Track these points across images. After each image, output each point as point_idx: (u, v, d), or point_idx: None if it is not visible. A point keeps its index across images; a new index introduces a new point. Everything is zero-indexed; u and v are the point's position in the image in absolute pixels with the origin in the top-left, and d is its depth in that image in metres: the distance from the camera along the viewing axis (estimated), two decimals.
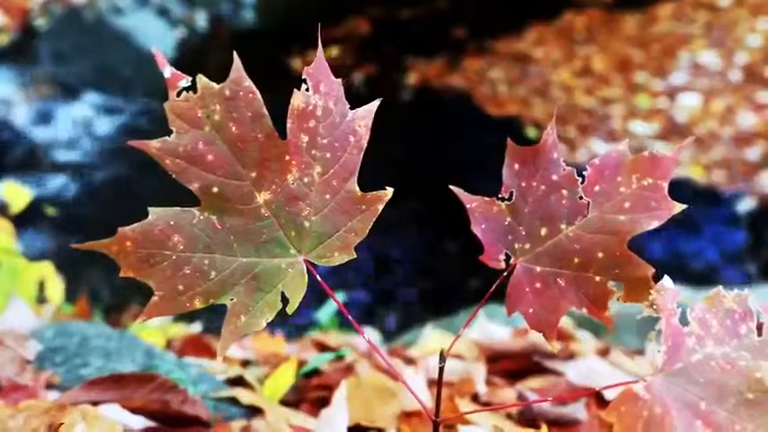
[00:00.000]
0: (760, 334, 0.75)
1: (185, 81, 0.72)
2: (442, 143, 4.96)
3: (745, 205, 4.40)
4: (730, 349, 0.74)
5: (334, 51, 5.76)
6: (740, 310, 0.75)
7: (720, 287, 0.76)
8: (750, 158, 4.75)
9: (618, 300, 0.75)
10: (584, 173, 0.76)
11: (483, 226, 0.77)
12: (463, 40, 6.01)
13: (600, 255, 0.75)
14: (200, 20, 6.23)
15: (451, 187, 0.77)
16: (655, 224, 0.74)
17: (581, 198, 0.76)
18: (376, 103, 0.76)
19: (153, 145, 0.72)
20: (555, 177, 0.76)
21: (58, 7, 5.94)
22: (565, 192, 0.76)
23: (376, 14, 6.30)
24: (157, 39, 5.73)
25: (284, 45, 5.77)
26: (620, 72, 5.66)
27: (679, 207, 0.74)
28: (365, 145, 0.75)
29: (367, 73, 5.65)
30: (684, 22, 6.17)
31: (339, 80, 0.75)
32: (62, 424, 0.96)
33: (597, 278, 0.75)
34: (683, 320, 0.75)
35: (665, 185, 0.74)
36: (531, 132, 4.94)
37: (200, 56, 5.76)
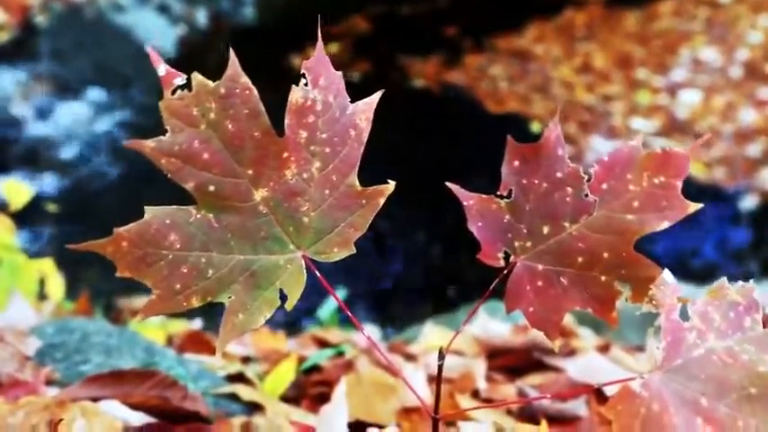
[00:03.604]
0: (765, 326, 0.73)
1: (180, 79, 0.71)
2: (443, 140, 4.95)
3: (748, 203, 4.39)
4: (733, 342, 0.72)
5: (334, 48, 5.75)
6: (745, 302, 0.73)
7: (724, 279, 0.74)
8: (751, 155, 4.75)
9: (626, 300, 0.73)
10: (590, 170, 0.73)
11: (480, 224, 0.75)
12: (463, 36, 6.00)
13: (605, 254, 0.73)
14: (201, 17, 6.22)
15: (448, 184, 0.76)
16: (665, 224, 0.71)
17: (587, 196, 0.73)
18: (377, 96, 0.75)
19: (147, 144, 0.71)
20: (559, 174, 0.74)
21: (59, 4, 5.93)
22: (569, 189, 0.74)
23: (376, 12, 6.29)
24: (158, 36, 5.72)
25: (284, 42, 5.76)
26: (621, 69, 5.65)
27: (693, 207, 0.71)
28: (366, 139, 0.74)
29: (366, 70, 5.64)
30: (685, 19, 6.16)
31: (339, 73, 0.74)
32: (62, 420, 0.96)
33: (603, 278, 0.73)
34: (684, 316, 0.74)
35: (679, 184, 0.71)
36: (535, 127, 4.93)
37: (200, 53, 5.75)
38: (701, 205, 0.72)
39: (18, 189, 2.07)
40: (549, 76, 5.60)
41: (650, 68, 5.63)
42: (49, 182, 4.37)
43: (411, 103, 5.23)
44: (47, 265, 1.92)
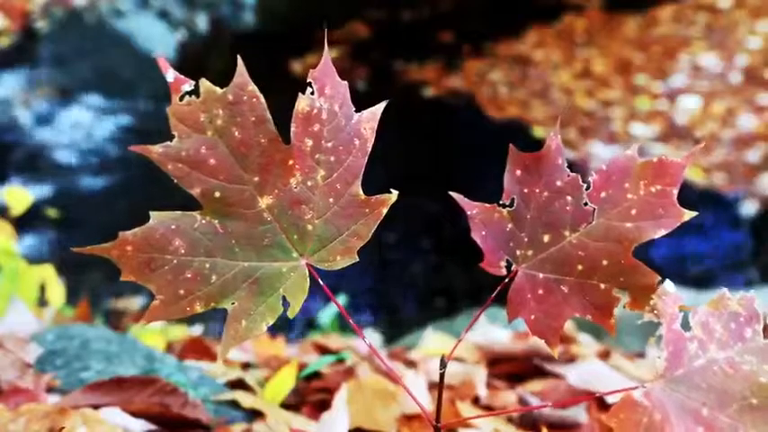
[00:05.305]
0: (766, 337, 0.73)
1: (188, 85, 0.71)
2: (442, 145, 4.95)
3: (747, 209, 4.40)
4: (734, 353, 0.72)
5: (333, 54, 5.76)
6: (745, 313, 0.73)
7: (725, 290, 0.74)
8: (751, 160, 4.75)
9: (624, 307, 0.74)
10: (589, 179, 0.74)
11: (483, 233, 0.76)
12: (463, 42, 6.01)
13: (604, 262, 0.74)
14: (201, 22, 6.23)
15: (451, 193, 0.76)
16: (662, 232, 0.73)
17: (586, 204, 0.74)
18: (381, 106, 0.75)
19: (155, 150, 0.71)
20: (559, 183, 0.75)
21: (59, 10, 5.94)
22: (569, 198, 0.75)
23: (377, 17, 6.31)
24: (158, 41, 5.73)
25: (284, 47, 5.77)
26: (621, 74, 5.66)
27: (688, 215, 0.72)
28: (370, 148, 0.74)
29: (366, 75, 5.65)
30: (684, 25, 6.18)
31: (345, 82, 0.74)
32: (63, 428, 0.96)
33: (602, 285, 0.74)
34: (686, 325, 0.74)
35: (675, 192, 0.72)
36: (537, 132, 4.94)
37: (200, 58, 5.76)
38: (695, 213, 0.73)
39: (18, 195, 2.07)
40: (549, 82, 5.61)
41: (650, 74, 5.64)
42: (49, 187, 4.38)
43: (411, 109, 5.24)
44: (47, 271, 1.92)
